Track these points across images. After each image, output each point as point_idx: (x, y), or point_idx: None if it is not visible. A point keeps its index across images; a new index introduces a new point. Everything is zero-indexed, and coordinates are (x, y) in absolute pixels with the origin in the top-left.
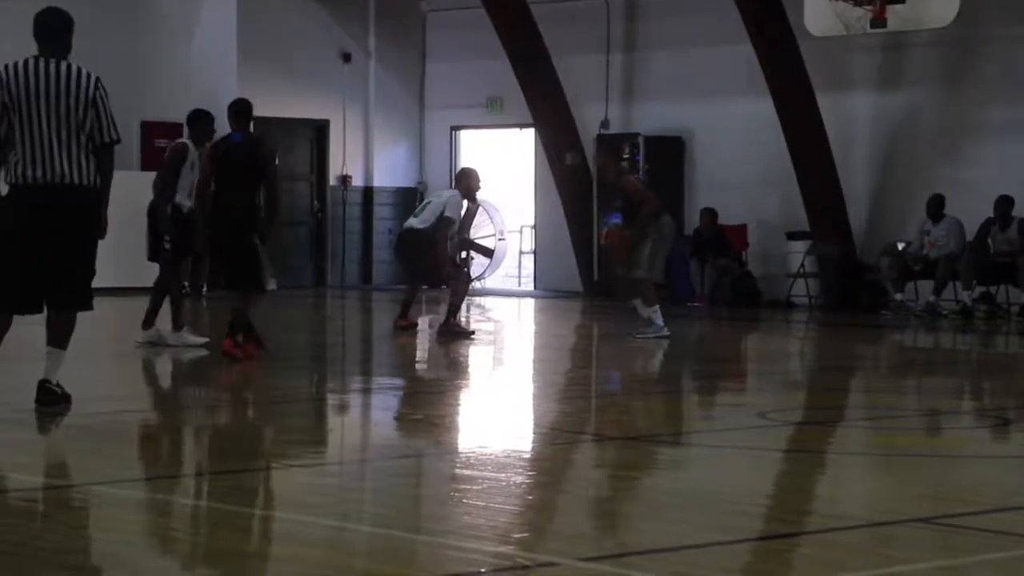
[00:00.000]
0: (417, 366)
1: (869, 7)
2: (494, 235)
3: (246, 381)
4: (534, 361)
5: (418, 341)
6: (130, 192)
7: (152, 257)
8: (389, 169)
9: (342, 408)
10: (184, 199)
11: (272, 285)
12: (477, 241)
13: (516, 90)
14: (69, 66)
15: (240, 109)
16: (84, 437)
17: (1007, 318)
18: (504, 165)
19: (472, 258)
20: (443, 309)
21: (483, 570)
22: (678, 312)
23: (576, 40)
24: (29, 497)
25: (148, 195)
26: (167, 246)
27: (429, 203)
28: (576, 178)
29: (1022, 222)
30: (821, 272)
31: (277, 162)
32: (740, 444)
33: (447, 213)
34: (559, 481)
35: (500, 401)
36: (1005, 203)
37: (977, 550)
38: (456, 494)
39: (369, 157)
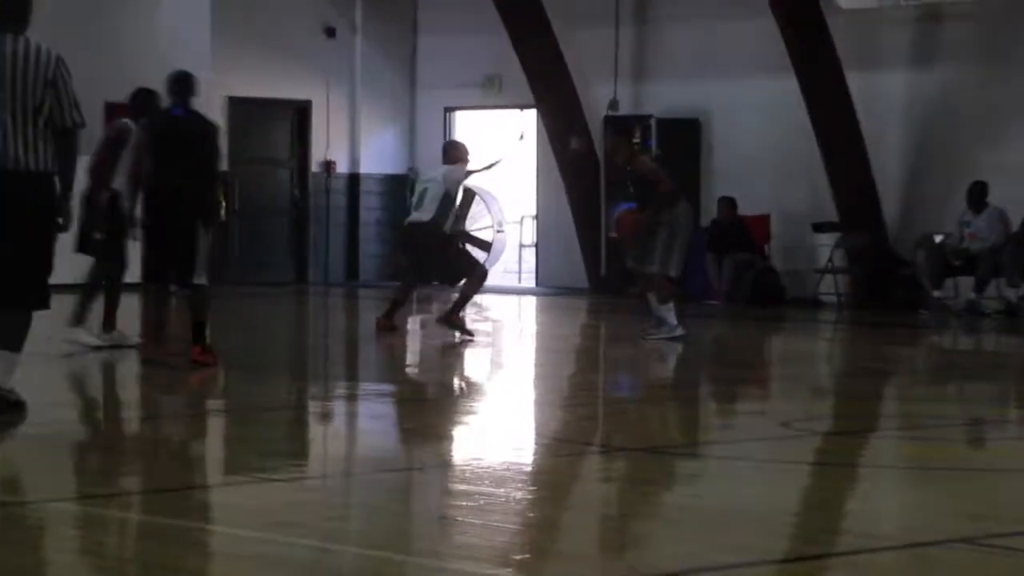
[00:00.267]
0: (408, 370)
1: None
2: (492, 226)
3: (219, 388)
4: (536, 365)
5: (408, 343)
6: None
7: (80, 249)
8: (377, 154)
9: (325, 417)
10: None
11: (203, 279)
12: (473, 233)
13: (516, 68)
14: (27, 42)
15: (182, 80)
16: (40, 449)
17: None
18: (502, 150)
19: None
20: (432, 307)
21: None
22: (694, 311)
23: (582, 12)
24: None
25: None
26: (97, 236)
27: (426, 190)
28: (582, 164)
29: None
30: (851, 267)
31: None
32: (762, 456)
33: (449, 182)
34: (563, 497)
35: (499, 409)
36: None
37: None
38: (450, 511)
39: (355, 141)
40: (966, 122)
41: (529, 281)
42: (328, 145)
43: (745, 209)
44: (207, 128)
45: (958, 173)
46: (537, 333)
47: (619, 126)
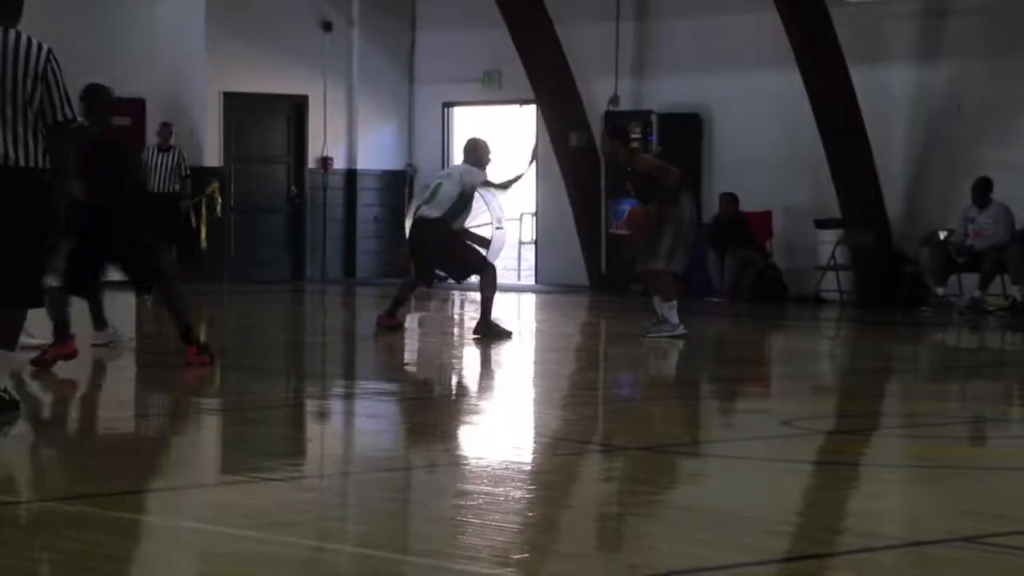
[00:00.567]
0: (406, 369)
1: None
2: (491, 223)
3: (216, 387)
4: (535, 363)
5: (407, 341)
6: None
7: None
8: (374, 150)
9: (322, 416)
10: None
11: (170, 286)
12: (472, 230)
13: (516, 62)
14: (18, 35)
15: (93, 93)
16: (33, 448)
17: None
18: (502, 146)
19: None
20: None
21: None
22: (695, 308)
23: (582, 6)
24: None
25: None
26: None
27: (440, 185)
28: (582, 160)
29: None
30: (854, 264)
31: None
32: (763, 455)
33: (467, 182)
34: (563, 496)
35: (498, 407)
36: None
37: None
38: (449, 511)
39: (352, 137)
40: (971, 117)
41: (529, 279)
42: (325, 141)
43: (747, 205)
44: (117, 144)
45: (963, 169)
46: (537, 331)
47: (613, 126)
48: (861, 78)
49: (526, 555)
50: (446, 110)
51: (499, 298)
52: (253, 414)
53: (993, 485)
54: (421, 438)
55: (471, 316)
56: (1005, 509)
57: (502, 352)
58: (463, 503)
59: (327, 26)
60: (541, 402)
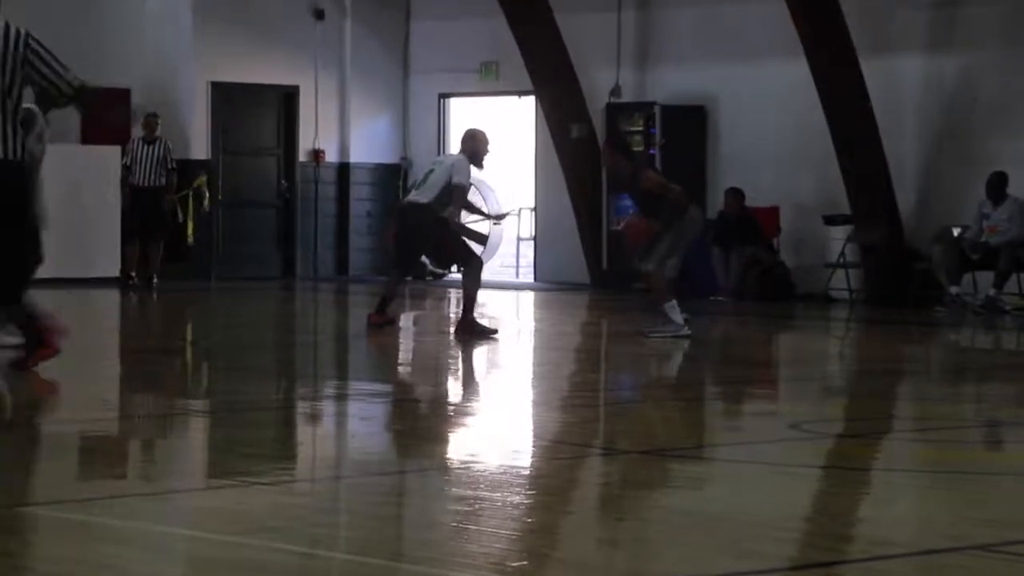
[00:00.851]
0: (400, 369)
1: None
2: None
3: (203, 387)
4: (534, 363)
5: (401, 341)
6: (70, 169)
7: None
8: (368, 143)
9: (313, 417)
10: None
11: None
12: (468, 225)
13: (514, 53)
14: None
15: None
16: (13, 451)
17: None
18: (500, 138)
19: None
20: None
21: None
22: (700, 307)
23: None
24: None
25: (91, 171)
26: None
27: (432, 172)
28: (583, 154)
29: None
30: (864, 262)
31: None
32: (770, 459)
33: (455, 179)
34: (563, 501)
35: (495, 410)
36: None
37: None
38: (444, 516)
39: (345, 129)
40: (985, 109)
41: (527, 276)
42: (316, 133)
43: (753, 201)
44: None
45: (977, 163)
46: (536, 330)
47: (616, 139)
48: (871, 69)
49: (524, 562)
50: (442, 101)
51: (497, 296)
52: (242, 416)
53: (1008, 491)
54: (415, 441)
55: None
56: (1021, 516)
57: (499, 352)
58: (459, 508)
59: (319, 14)
60: (540, 404)
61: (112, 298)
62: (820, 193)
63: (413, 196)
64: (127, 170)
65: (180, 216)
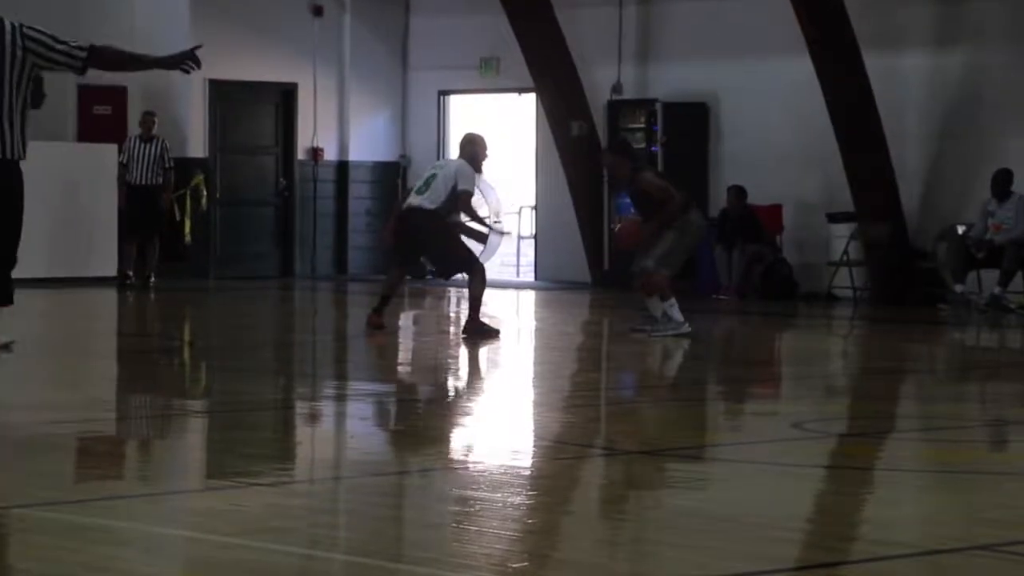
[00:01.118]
0: (400, 369)
1: None
2: (489, 217)
3: (201, 387)
4: (535, 363)
5: (401, 340)
6: (66, 167)
7: None
8: (367, 141)
9: (313, 418)
10: None
11: None
12: (469, 224)
13: (514, 49)
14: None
15: None
16: (9, 451)
17: None
18: (500, 136)
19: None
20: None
21: None
22: (702, 306)
23: None
24: None
25: (87, 169)
26: None
27: (434, 176)
28: (584, 151)
29: None
30: (868, 260)
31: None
32: (773, 459)
33: (462, 186)
34: (563, 502)
35: (496, 409)
36: None
37: None
38: (445, 517)
39: (344, 127)
40: (990, 106)
41: (528, 275)
42: (315, 131)
43: (756, 198)
44: None
45: (982, 160)
46: (536, 330)
47: (617, 142)
48: (875, 65)
49: (525, 563)
50: (442, 99)
51: (497, 295)
52: (240, 416)
53: (1013, 491)
54: (415, 441)
55: (467, 314)
56: None
57: (500, 352)
58: (459, 509)
59: (317, 11)
60: (541, 404)
61: (109, 297)
62: (823, 191)
63: (417, 200)
64: (124, 168)
65: (177, 215)
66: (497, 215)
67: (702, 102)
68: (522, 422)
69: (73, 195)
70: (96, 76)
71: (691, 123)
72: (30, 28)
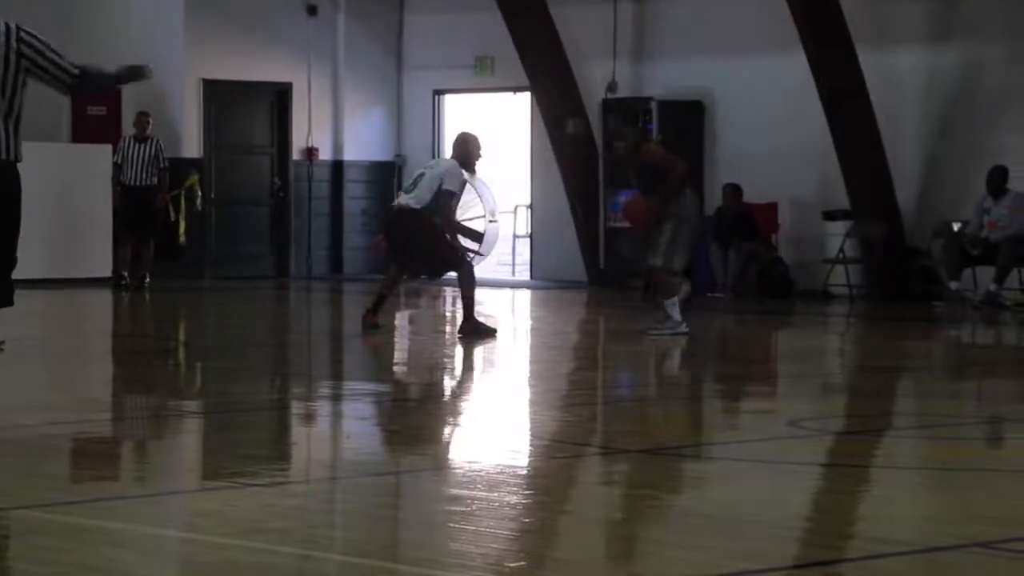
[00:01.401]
0: (396, 369)
1: None
2: (484, 216)
3: (197, 388)
4: (531, 362)
5: (397, 340)
6: (60, 168)
7: None
8: (362, 140)
9: (308, 418)
10: None
11: None
12: (464, 223)
13: (509, 48)
14: None
15: None
16: (5, 453)
17: None
18: (496, 135)
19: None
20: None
21: None
22: (698, 304)
23: None
24: None
25: (82, 170)
26: None
27: (423, 175)
28: (579, 150)
29: None
30: (863, 258)
31: None
32: (769, 457)
33: (446, 185)
34: (560, 501)
35: (492, 409)
36: None
37: None
38: (441, 517)
39: (338, 126)
40: (986, 103)
41: (523, 274)
42: (310, 130)
43: (751, 197)
44: None
45: (977, 157)
46: (532, 329)
47: (626, 111)
48: (870, 62)
49: (522, 563)
50: (437, 98)
51: (493, 294)
52: (235, 416)
53: (1010, 488)
54: (412, 441)
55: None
56: (1022, 513)
57: (496, 351)
58: (456, 508)
59: (312, 10)
60: (538, 403)
61: (104, 298)
62: (819, 189)
63: (404, 200)
64: (118, 169)
65: (172, 215)
66: (492, 214)
67: (697, 100)
68: (519, 421)
69: (68, 196)
70: None
71: (686, 121)
72: (27, 32)
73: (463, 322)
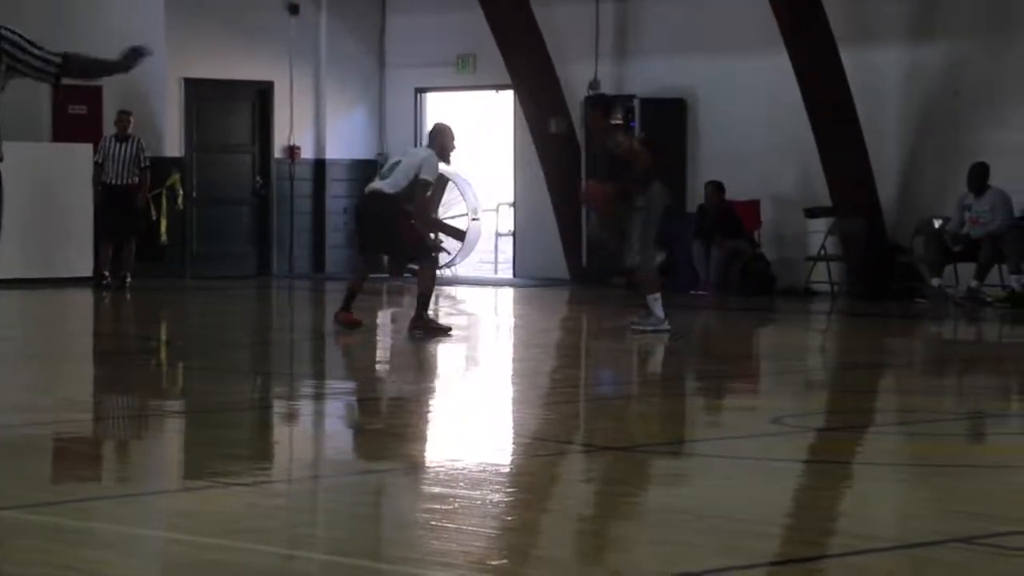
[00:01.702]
0: (377, 368)
1: None
2: (466, 214)
3: (179, 387)
4: (514, 360)
5: (378, 338)
6: (40, 168)
7: None
8: (344, 139)
9: (290, 417)
10: None
11: None
12: (447, 221)
13: (491, 46)
14: None
15: None
16: None
17: None
18: (478, 133)
19: (441, 241)
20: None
21: None
22: (681, 301)
23: None
24: None
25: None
26: None
27: (399, 163)
28: (562, 148)
29: None
30: (845, 254)
31: None
32: (752, 454)
33: (423, 175)
34: (543, 499)
35: (474, 407)
36: None
37: None
38: (423, 515)
39: (320, 125)
40: (967, 100)
41: (506, 272)
42: (291, 129)
43: (733, 194)
44: None
45: (959, 154)
46: (515, 327)
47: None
48: (852, 60)
49: (504, 560)
50: (419, 96)
51: (476, 292)
52: (217, 416)
53: (990, 484)
54: (393, 440)
55: (447, 311)
56: (1002, 509)
57: (478, 349)
58: (438, 507)
59: (293, 8)
60: (520, 401)
61: (85, 298)
62: (801, 186)
63: (378, 184)
64: (99, 168)
65: (154, 214)
66: (474, 212)
67: (680, 98)
68: (501, 419)
69: (48, 195)
70: None
71: (669, 119)
72: (6, 28)
73: (413, 319)
